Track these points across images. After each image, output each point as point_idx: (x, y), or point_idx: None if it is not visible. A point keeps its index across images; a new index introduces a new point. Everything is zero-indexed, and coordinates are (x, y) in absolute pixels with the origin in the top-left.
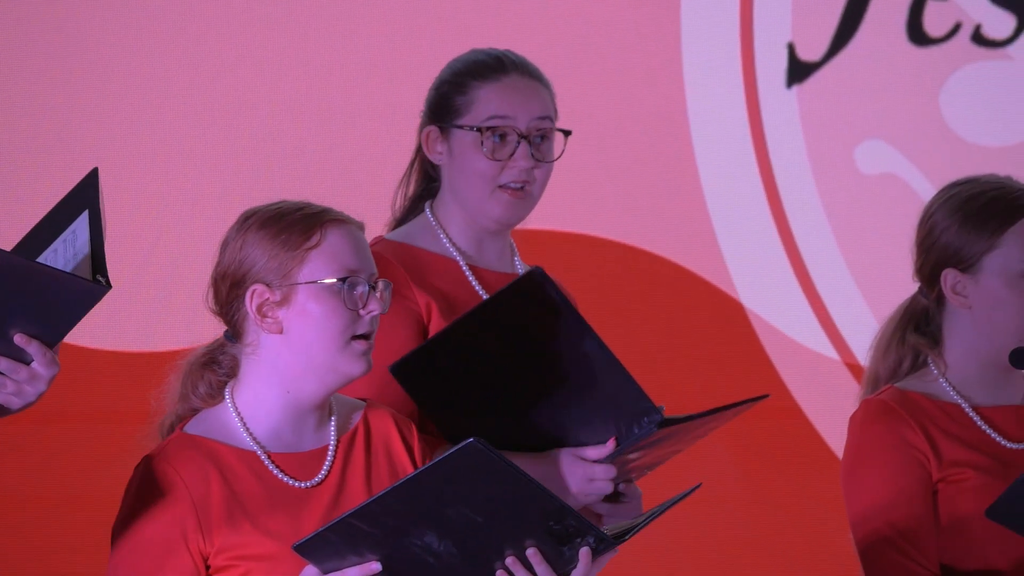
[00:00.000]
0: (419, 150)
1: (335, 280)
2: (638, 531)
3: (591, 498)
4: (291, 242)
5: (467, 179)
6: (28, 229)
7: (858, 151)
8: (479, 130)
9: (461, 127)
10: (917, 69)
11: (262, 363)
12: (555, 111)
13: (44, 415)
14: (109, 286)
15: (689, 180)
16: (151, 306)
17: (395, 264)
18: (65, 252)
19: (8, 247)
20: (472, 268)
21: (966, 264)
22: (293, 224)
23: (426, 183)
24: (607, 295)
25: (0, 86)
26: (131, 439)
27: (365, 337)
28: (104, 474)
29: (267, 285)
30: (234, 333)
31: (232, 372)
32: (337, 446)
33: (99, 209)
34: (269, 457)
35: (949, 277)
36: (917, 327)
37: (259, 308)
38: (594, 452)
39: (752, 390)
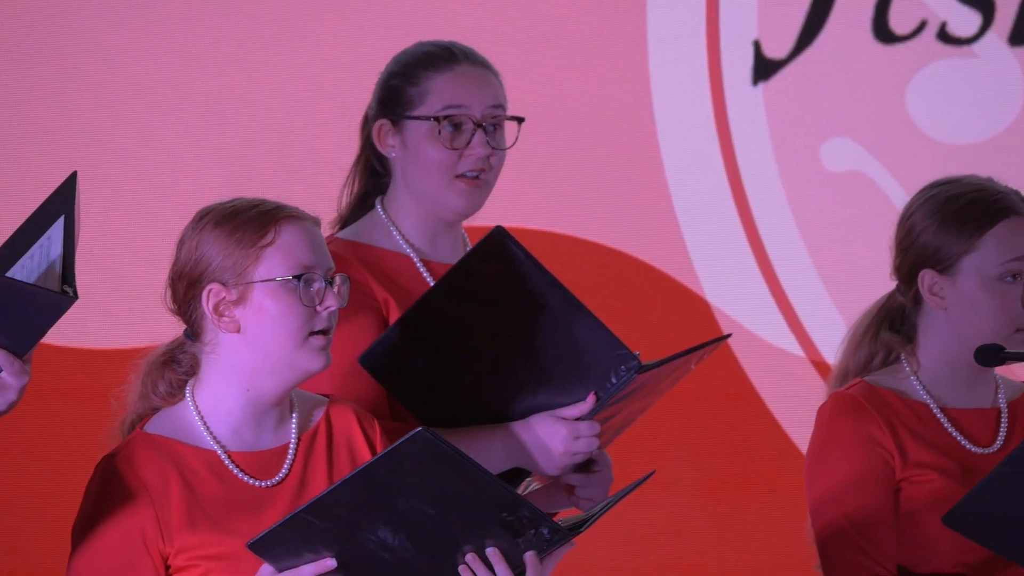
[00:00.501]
0: (364, 147)
1: (290, 277)
2: (593, 522)
3: (578, 458)
4: (245, 240)
5: (424, 170)
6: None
7: (824, 148)
8: (435, 120)
9: (416, 118)
10: (883, 67)
11: (221, 362)
12: (505, 99)
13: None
14: (76, 296)
15: (655, 177)
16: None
17: (353, 262)
18: (40, 258)
19: None
20: (425, 263)
21: (944, 265)
22: (247, 222)
23: (372, 179)
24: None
25: None
26: (96, 437)
27: (323, 333)
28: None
29: (223, 284)
30: (193, 332)
31: (192, 371)
32: (298, 444)
33: (74, 215)
34: (229, 456)
35: (927, 278)
36: (892, 324)
37: (215, 307)
38: (574, 410)
39: (717, 387)
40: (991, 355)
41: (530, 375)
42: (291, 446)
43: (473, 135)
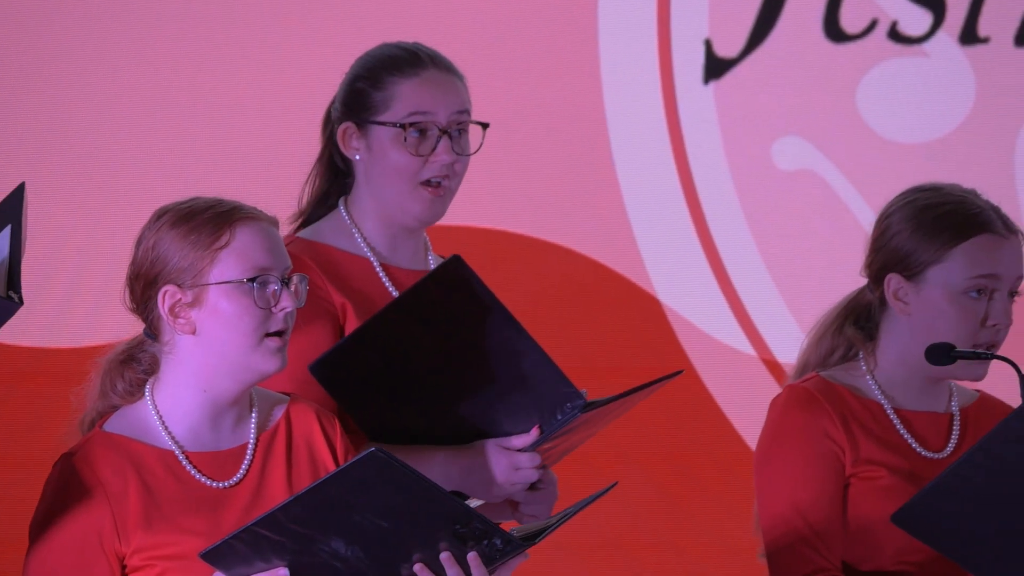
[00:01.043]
0: (326, 145)
1: (245, 280)
2: (549, 533)
3: (517, 487)
4: (201, 242)
5: (388, 175)
6: None
7: (775, 147)
8: (401, 126)
9: (381, 123)
10: (834, 66)
11: (178, 362)
12: (470, 103)
13: None
14: (21, 303)
15: (606, 176)
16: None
17: (310, 264)
18: None
19: None
20: (385, 267)
21: (911, 272)
22: (203, 224)
23: (334, 178)
24: (522, 291)
25: None
26: (55, 434)
27: (279, 334)
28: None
29: (178, 286)
30: (151, 332)
31: (152, 369)
32: (256, 444)
33: (21, 224)
34: (187, 457)
35: (893, 282)
36: (857, 320)
37: (171, 309)
38: (519, 441)
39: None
40: (941, 354)
41: (479, 400)
42: (249, 446)
43: (439, 141)
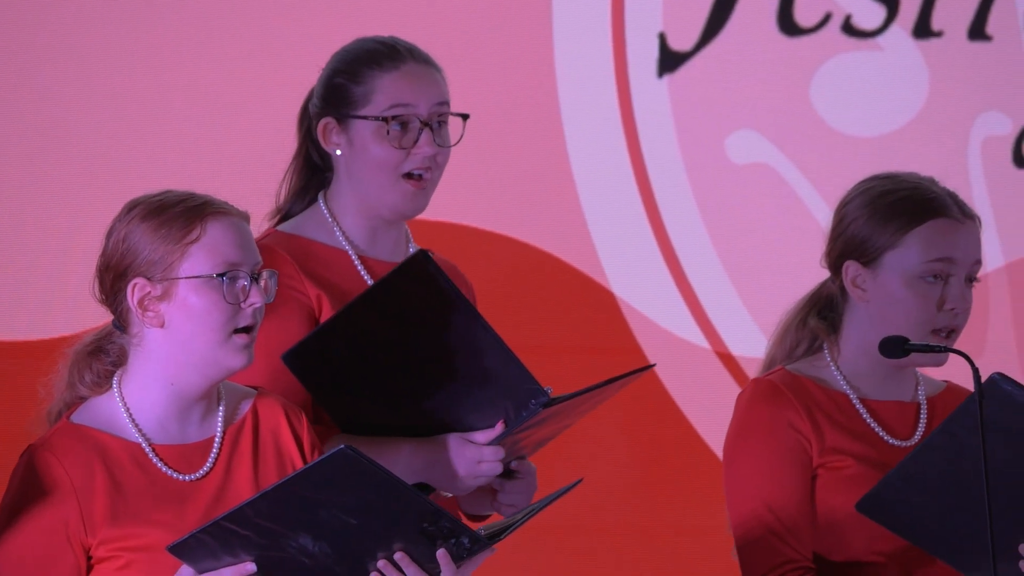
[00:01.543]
0: (303, 141)
1: (215, 275)
2: (514, 530)
3: (480, 480)
4: (171, 236)
5: (370, 169)
6: None
7: (729, 141)
8: (383, 120)
9: (363, 117)
10: (788, 59)
11: (146, 355)
12: (448, 95)
13: None
14: None
15: (560, 169)
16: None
17: (285, 257)
18: None
19: None
20: (363, 259)
21: (868, 258)
22: (174, 218)
23: (311, 174)
24: (477, 284)
25: None
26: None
27: (247, 330)
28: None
29: (148, 279)
30: (120, 324)
31: (120, 361)
32: (223, 438)
33: None
34: (153, 449)
35: (850, 269)
36: (820, 312)
37: (140, 302)
38: (482, 436)
39: None
40: (894, 347)
41: (446, 394)
42: (216, 440)
43: (420, 134)
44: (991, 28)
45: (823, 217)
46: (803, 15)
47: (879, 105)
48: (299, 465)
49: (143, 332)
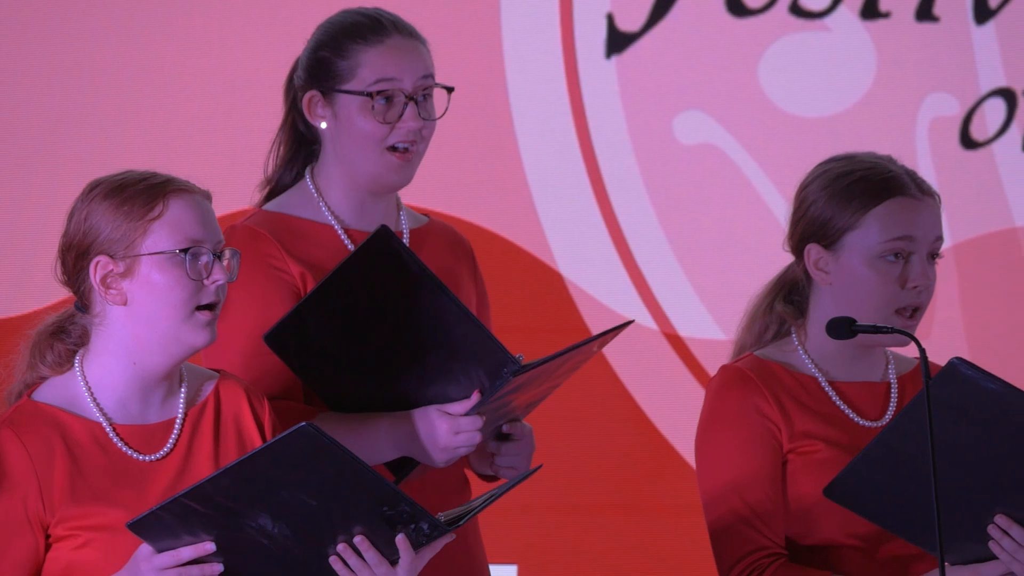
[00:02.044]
0: (289, 112)
1: (177, 251)
2: (473, 515)
3: (461, 451)
4: (134, 213)
5: (355, 143)
6: None
7: (677, 121)
8: (368, 94)
9: (348, 92)
10: (736, 40)
11: (109, 334)
12: (433, 67)
13: None
14: None
15: (508, 150)
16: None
17: (267, 237)
18: None
19: None
20: (349, 232)
21: (829, 240)
22: (136, 195)
23: (297, 145)
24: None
25: None
26: None
27: (210, 307)
28: None
29: (111, 257)
30: (82, 303)
31: (82, 341)
32: (185, 419)
33: None
34: (114, 429)
35: (812, 252)
36: (787, 297)
37: (103, 280)
38: (459, 407)
39: None
40: (841, 328)
41: (422, 368)
42: (177, 420)
43: (405, 108)
44: (938, 9)
45: (770, 197)
46: None
47: (827, 86)
48: None
49: (106, 311)
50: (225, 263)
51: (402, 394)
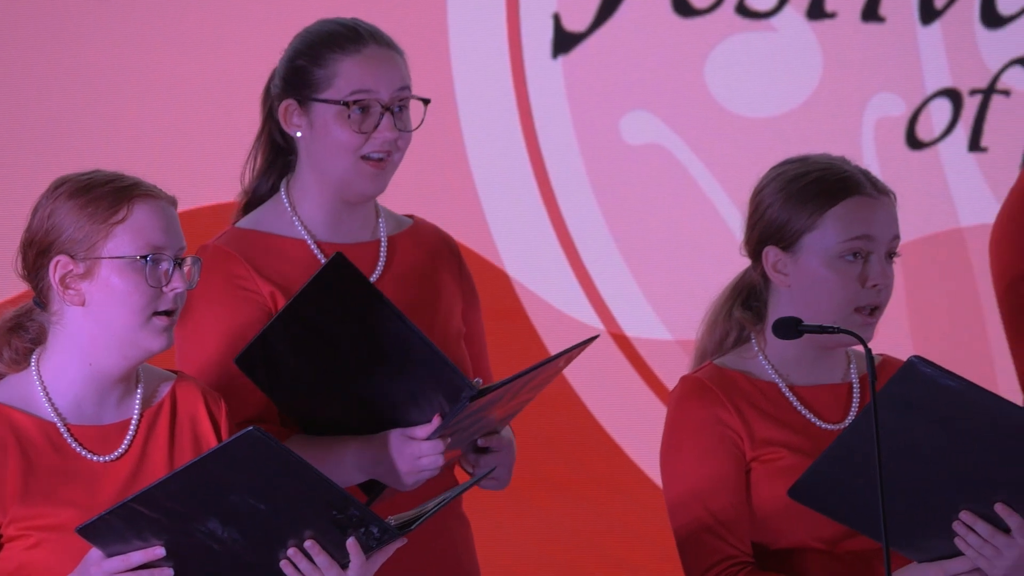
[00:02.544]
0: (266, 121)
1: (138, 257)
2: (424, 520)
3: (425, 474)
4: (98, 215)
5: (330, 152)
6: None
7: (623, 121)
8: (344, 104)
9: (324, 101)
10: (682, 40)
11: (66, 334)
12: (410, 78)
13: None
14: None
15: (455, 149)
16: None
17: (236, 258)
18: None
19: None
20: (322, 246)
21: (787, 242)
22: (101, 197)
23: (274, 156)
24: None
25: None
26: None
27: (167, 314)
28: None
29: (71, 257)
30: (41, 301)
31: (39, 339)
32: (140, 420)
33: None
34: (69, 429)
35: (770, 255)
36: (745, 302)
37: (62, 279)
38: (421, 431)
39: (517, 360)
40: (788, 328)
41: (386, 390)
42: (133, 422)
43: (381, 118)
44: (884, 10)
45: (716, 197)
46: None
47: (773, 86)
48: None
49: (63, 310)
50: (186, 270)
51: (370, 417)
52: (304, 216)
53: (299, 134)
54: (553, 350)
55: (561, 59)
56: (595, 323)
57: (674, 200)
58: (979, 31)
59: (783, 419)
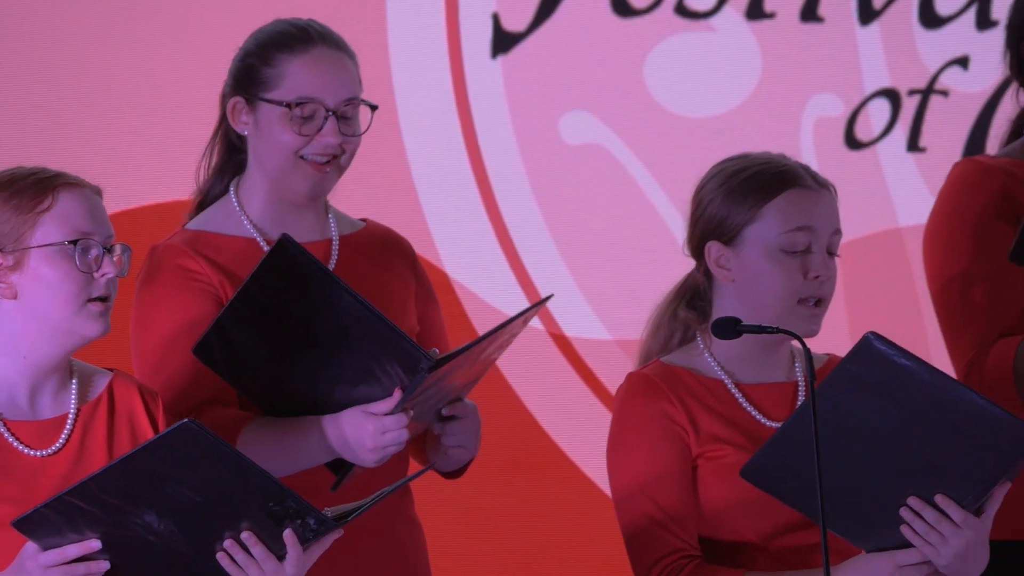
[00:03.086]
0: (223, 119)
1: (67, 243)
2: (361, 513)
3: (390, 449)
4: (23, 206)
5: (274, 152)
6: None
7: (563, 121)
8: (288, 106)
9: (269, 101)
10: (621, 40)
11: None
12: (360, 84)
13: None
14: None
15: (394, 149)
16: None
17: (186, 251)
18: None
19: None
20: (270, 243)
21: (728, 237)
22: (25, 189)
23: (230, 153)
24: None
25: None
26: None
27: (101, 299)
28: None
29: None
30: None
31: None
32: (78, 414)
33: None
34: (5, 424)
35: (712, 250)
36: (690, 302)
37: None
38: (382, 406)
39: None
40: (727, 328)
41: (345, 368)
42: (70, 416)
43: (325, 122)
44: (823, 10)
45: (655, 197)
46: None
47: (712, 86)
48: None
49: None
50: (115, 258)
51: (331, 396)
52: (253, 215)
53: (246, 132)
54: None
55: (500, 59)
56: (535, 323)
57: (613, 200)
58: (918, 31)
59: (729, 416)
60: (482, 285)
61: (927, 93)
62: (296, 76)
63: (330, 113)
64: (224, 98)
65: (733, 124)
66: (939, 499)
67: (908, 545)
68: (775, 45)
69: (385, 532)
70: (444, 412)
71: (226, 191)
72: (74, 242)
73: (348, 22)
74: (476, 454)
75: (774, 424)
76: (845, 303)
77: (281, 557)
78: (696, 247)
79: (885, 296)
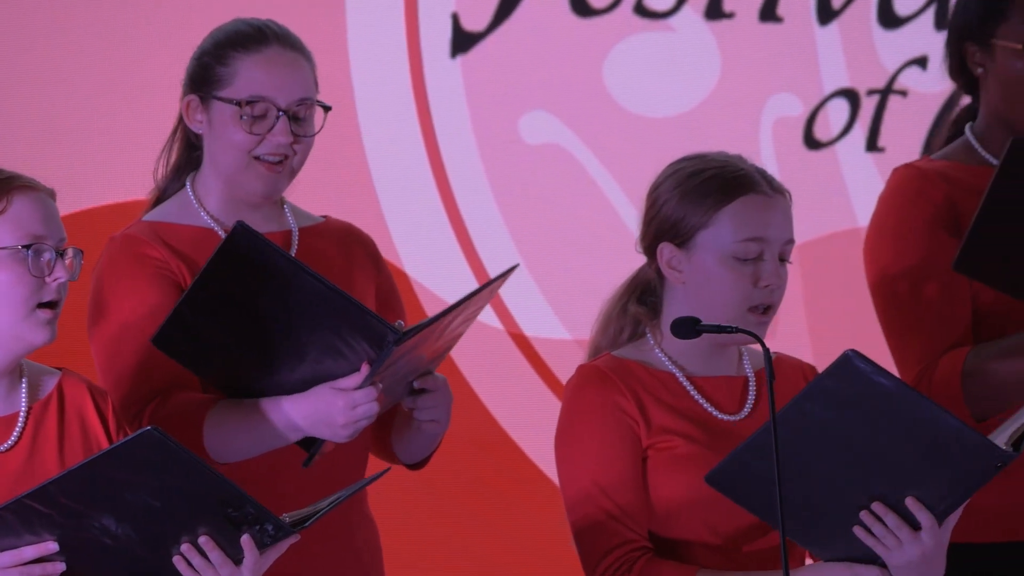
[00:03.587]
0: (181, 118)
1: (19, 247)
2: (319, 518)
3: (362, 423)
4: None
5: (226, 151)
6: None
7: (522, 121)
8: (239, 104)
9: (221, 99)
10: (580, 40)
11: None
12: (315, 84)
13: None
14: None
15: (353, 149)
16: None
17: (145, 240)
18: None
19: None
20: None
21: (681, 239)
22: None
23: (188, 151)
24: None
25: None
26: None
27: (51, 306)
28: None
29: None
30: None
31: None
32: (28, 413)
33: None
34: None
35: (665, 251)
36: (640, 298)
37: None
38: (350, 381)
39: None
40: (686, 328)
41: (307, 347)
42: (20, 415)
43: (277, 121)
44: (782, 10)
45: (615, 197)
46: None
47: (671, 86)
48: (104, 445)
49: None
50: (67, 261)
51: (296, 377)
52: (210, 209)
53: (200, 130)
54: (452, 350)
55: (460, 59)
56: (494, 322)
57: (573, 200)
58: (876, 31)
59: (680, 408)
60: (441, 284)
61: (886, 93)
62: (248, 75)
63: (281, 113)
64: (182, 96)
65: (692, 124)
66: (910, 502)
67: (871, 558)
68: (734, 45)
69: (340, 529)
70: (416, 385)
71: (183, 187)
72: (27, 246)
73: (308, 22)
74: (447, 427)
75: (726, 417)
76: (804, 303)
77: (238, 562)
78: (649, 246)
79: (843, 296)
